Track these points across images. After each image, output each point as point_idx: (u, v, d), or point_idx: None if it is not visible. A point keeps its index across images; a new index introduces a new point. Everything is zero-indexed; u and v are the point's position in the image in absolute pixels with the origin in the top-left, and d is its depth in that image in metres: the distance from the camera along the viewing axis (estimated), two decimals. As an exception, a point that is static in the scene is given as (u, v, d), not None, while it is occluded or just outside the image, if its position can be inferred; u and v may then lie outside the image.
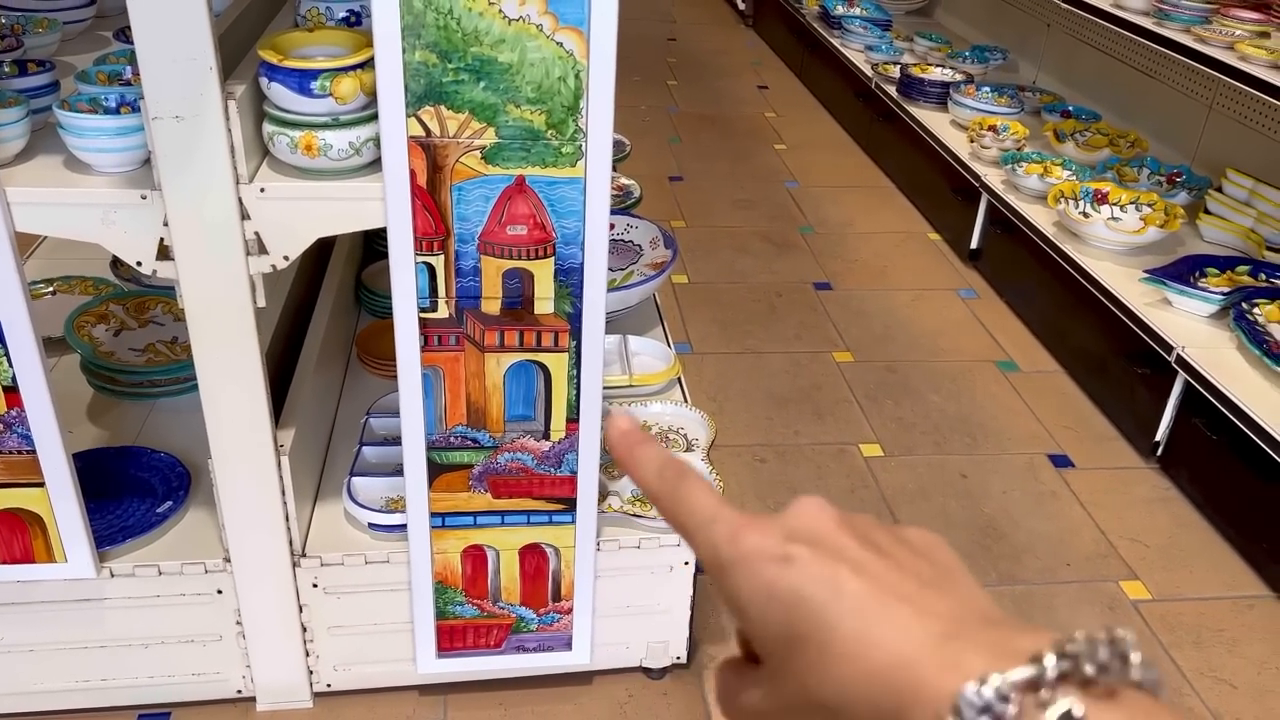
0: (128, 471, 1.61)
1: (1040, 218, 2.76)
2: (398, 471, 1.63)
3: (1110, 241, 2.55)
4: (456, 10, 1.13)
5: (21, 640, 1.49)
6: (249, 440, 1.38)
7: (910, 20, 4.80)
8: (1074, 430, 2.43)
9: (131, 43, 1.56)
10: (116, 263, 2.09)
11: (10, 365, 1.27)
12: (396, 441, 1.71)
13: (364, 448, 1.67)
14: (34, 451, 1.33)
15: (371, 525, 1.53)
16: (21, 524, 1.38)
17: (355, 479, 1.59)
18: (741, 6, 6.12)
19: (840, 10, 4.65)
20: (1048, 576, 1.99)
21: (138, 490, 1.58)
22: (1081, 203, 2.70)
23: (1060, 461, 2.32)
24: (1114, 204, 2.70)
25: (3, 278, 1.21)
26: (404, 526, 1.50)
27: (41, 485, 1.36)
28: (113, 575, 1.46)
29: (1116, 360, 2.42)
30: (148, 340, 1.85)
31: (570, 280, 1.32)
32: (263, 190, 1.23)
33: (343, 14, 1.45)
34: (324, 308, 1.80)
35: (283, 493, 1.43)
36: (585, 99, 1.20)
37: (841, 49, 4.39)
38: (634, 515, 1.56)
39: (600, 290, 1.33)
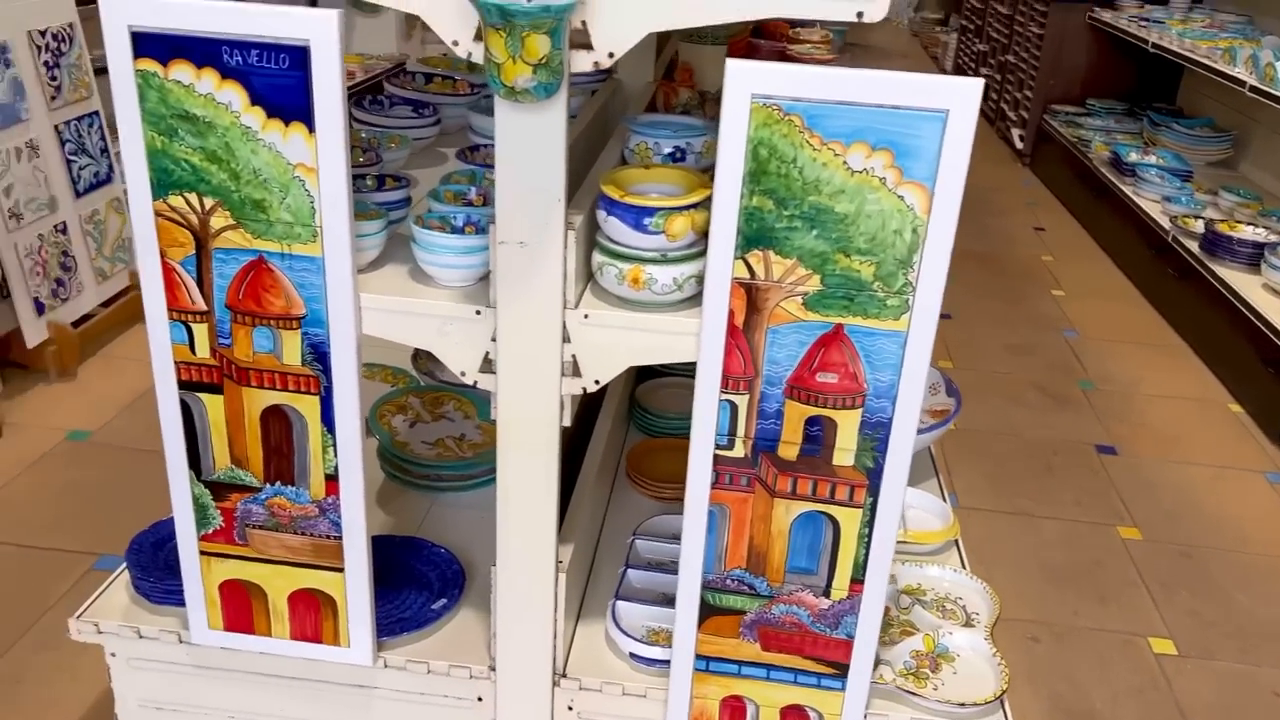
0: (408, 562, 1.68)
1: (1381, 404, 2.43)
2: (662, 600, 1.61)
3: None
4: (800, 160, 1.13)
5: (298, 716, 1.55)
6: (533, 553, 1.40)
7: (1212, 172, 4.49)
8: None
9: (472, 163, 1.68)
10: (416, 355, 2.23)
11: (335, 456, 1.35)
12: (662, 568, 1.69)
13: (629, 570, 1.65)
14: (340, 538, 1.41)
15: (633, 655, 1.50)
16: (316, 604, 1.46)
17: (620, 603, 1.57)
18: (1019, 144, 5.96)
19: (1134, 157, 4.42)
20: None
21: (416, 582, 1.64)
22: None
23: (1403, 695, 1.97)
24: None
25: (344, 377, 1.30)
26: (666, 662, 1.45)
27: (341, 571, 1.43)
28: (386, 666, 1.50)
29: None
30: (439, 435, 1.95)
31: (876, 435, 1.26)
32: (586, 316, 1.26)
33: (669, 149, 1.50)
34: (603, 425, 1.83)
35: (555, 610, 1.43)
36: (919, 253, 1.16)
37: (1134, 197, 4.15)
38: (908, 691, 1.44)
39: (906, 449, 1.26)
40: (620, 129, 1.60)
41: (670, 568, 1.70)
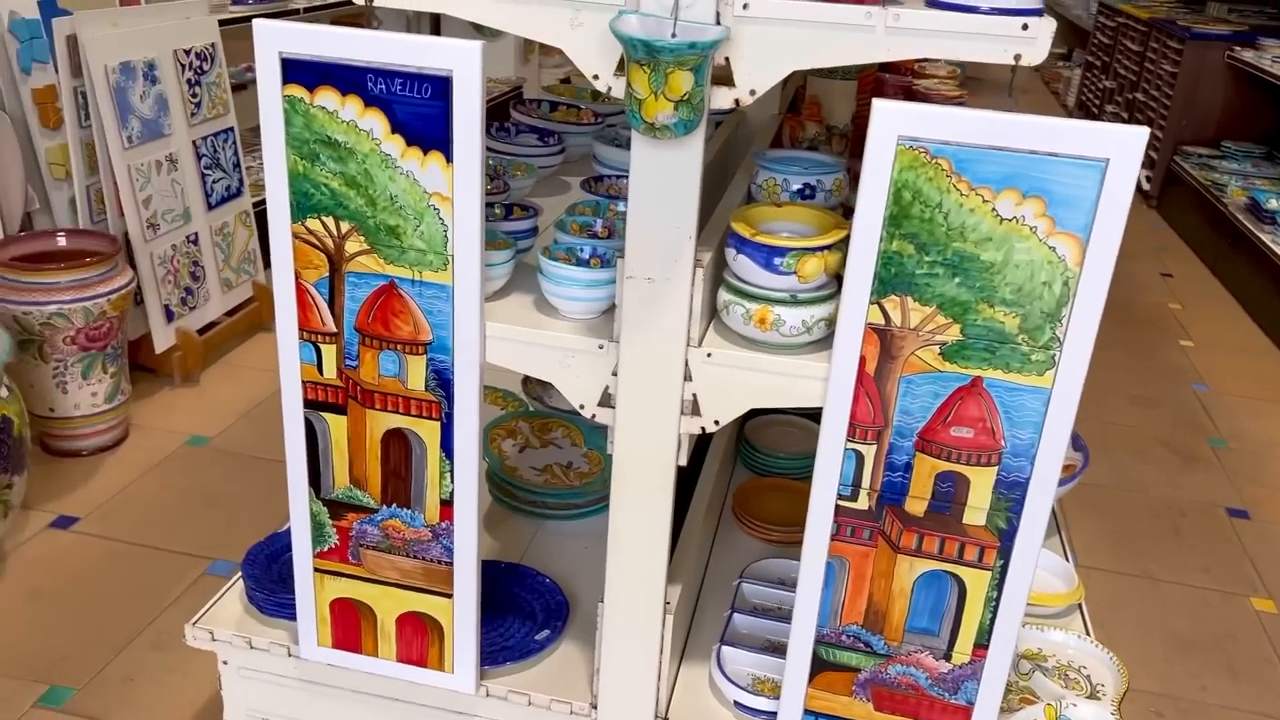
0: (512, 590, 1.67)
1: None
2: (768, 648, 1.56)
3: None
4: (946, 205, 1.09)
5: (397, 736, 1.56)
6: (642, 593, 1.37)
7: (1362, 221, 4.23)
8: None
9: (596, 194, 1.68)
10: (527, 379, 2.24)
11: (452, 482, 1.36)
12: (769, 614, 1.65)
13: (735, 615, 1.61)
14: (451, 564, 1.41)
15: (737, 704, 1.46)
16: (424, 628, 1.46)
17: (725, 648, 1.53)
18: (1146, 186, 5.73)
19: (1275, 204, 4.20)
20: None
21: (519, 611, 1.63)
22: None
23: None
24: None
25: (465, 404, 1.31)
26: (771, 714, 1.41)
27: (449, 597, 1.43)
28: (488, 695, 1.49)
29: None
30: (547, 461, 1.94)
31: (1012, 495, 1.20)
32: (709, 355, 1.24)
33: (798, 186, 1.47)
34: (712, 462, 1.80)
35: (660, 651, 1.40)
36: (1069, 307, 1.10)
37: (1273, 246, 3.93)
38: (1029, 764, 1.37)
39: (1044, 511, 1.19)
40: (748, 163, 1.58)
41: (777, 614, 1.65)
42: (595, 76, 1.14)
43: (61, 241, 2.60)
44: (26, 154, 2.72)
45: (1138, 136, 1.03)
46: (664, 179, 1.15)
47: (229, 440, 2.72)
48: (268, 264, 3.65)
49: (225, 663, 1.59)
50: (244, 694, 1.61)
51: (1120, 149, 1.04)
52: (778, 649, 1.57)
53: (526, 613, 1.63)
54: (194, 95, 3.03)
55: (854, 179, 1.20)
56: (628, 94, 1.08)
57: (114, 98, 2.69)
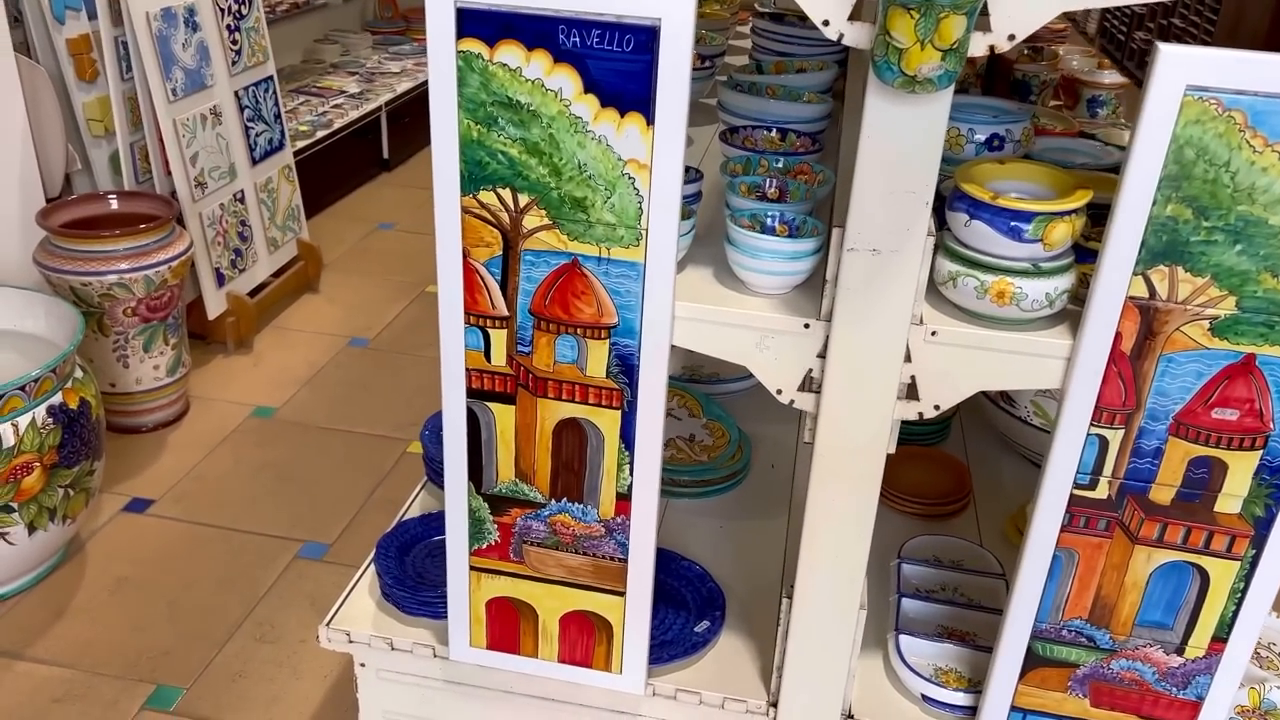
0: (660, 578, 1.56)
1: None
2: (943, 634, 1.47)
3: None
4: (1235, 163, 0.96)
5: (556, 739, 1.46)
6: (837, 589, 1.27)
7: None
8: None
9: (747, 149, 1.54)
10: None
11: (631, 474, 1.24)
12: (931, 596, 1.55)
13: (902, 599, 1.51)
14: (625, 561, 1.30)
15: (926, 698, 1.37)
16: (590, 627, 1.35)
17: (904, 638, 1.43)
18: None
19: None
20: None
21: (671, 601, 1.52)
22: None
23: None
24: None
25: (651, 392, 1.18)
26: (969, 709, 1.32)
27: (621, 595, 1.32)
28: (654, 694, 1.39)
29: None
30: (669, 434, 1.83)
31: (1274, 481, 1.09)
32: (933, 334, 1.12)
33: (984, 136, 1.34)
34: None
35: (852, 650, 1.31)
36: (1369, 277, 0.98)
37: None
38: (1254, 758, 1.29)
39: (1309, 498, 1.09)
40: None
41: (940, 596, 1.56)
42: (825, 22, 0.99)
43: (114, 204, 2.44)
44: (64, 110, 2.53)
45: None
46: (908, 138, 1.01)
47: (295, 411, 2.60)
48: (310, 220, 3.49)
49: (362, 665, 1.49)
50: (382, 696, 1.51)
51: None
52: (951, 635, 1.48)
53: (679, 602, 1.53)
54: (234, 42, 2.84)
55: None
56: (881, 43, 0.94)
57: (157, 47, 2.50)
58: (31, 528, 1.81)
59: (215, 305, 2.76)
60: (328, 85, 4.24)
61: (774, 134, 1.58)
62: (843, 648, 1.30)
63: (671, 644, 1.45)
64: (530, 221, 1.12)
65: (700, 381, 2.01)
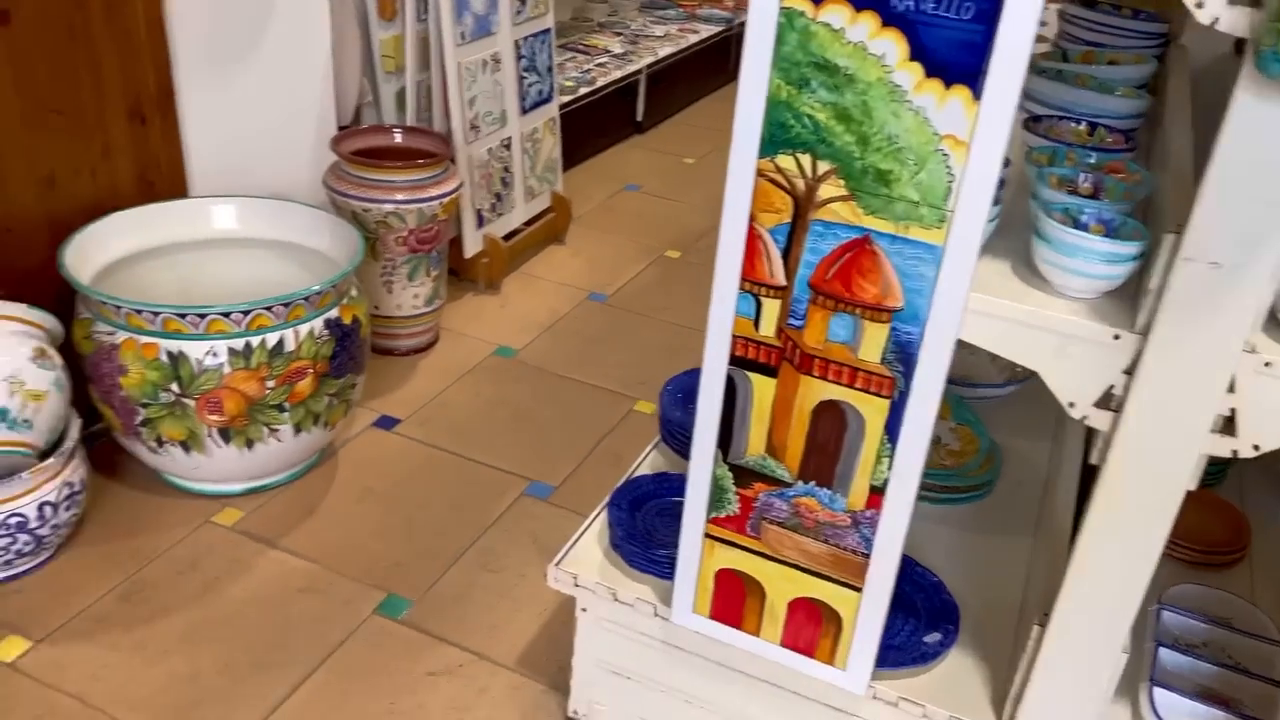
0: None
1: None
2: (1201, 694, 1.33)
3: None
4: None
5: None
6: (1101, 625, 1.16)
7: None
8: None
9: (1052, 139, 1.42)
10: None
11: (889, 469, 1.18)
12: (1194, 651, 1.40)
13: (1160, 648, 1.38)
14: (868, 557, 1.24)
15: (1181, 762, 1.24)
16: (819, 616, 1.31)
17: (1158, 690, 1.31)
18: None
19: None
20: None
21: (901, 606, 1.45)
22: None
23: None
24: None
25: (927, 384, 1.12)
26: (1231, 785, 1.19)
27: (858, 590, 1.27)
28: (874, 697, 1.34)
29: None
30: (914, 433, 1.74)
31: None
32: (1267, 365, 0.99)
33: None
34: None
35: (1105, 691, 1.20)
36: None
37: None
38: None
39: None
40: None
41: (1203, 653, 1.41)
42: (1199, 4, 0.89)
43: (398, 138, 2.58)
44: (363, 45, 2.70)
45: None
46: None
47: (534, 354, 2.68)
48: (564, 173, 3.60)
49: (584, 610, 1.52)
50: (598, 644, 1.53)
51: None
52: (1215, 698, 1.34)
53: (909, 609, 1.46)
54: (520, -7, 2.93)
55: None
56: (1271, 31, 0.83)
57: (452, -7, 2.62)
58: (297, 429, 1.96)
59: (473, 245, 2.89)
60: (593, 43, 4.33)
61: (1082, 127, 1.45)
62: (1095, 689, 1.20)
63: (898, 650, 1.39)
64: (826, 191, 1.08)
65: (951, 382, 1.91)
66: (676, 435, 1.70)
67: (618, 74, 3.98)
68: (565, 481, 2.19)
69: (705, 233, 3.49)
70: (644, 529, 1.53)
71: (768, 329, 1.18)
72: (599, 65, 4.03)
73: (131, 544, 1.91)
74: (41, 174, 1.95)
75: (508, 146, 3.00)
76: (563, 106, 3.41)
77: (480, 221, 2.91)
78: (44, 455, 1.78)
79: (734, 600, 1.36)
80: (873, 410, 1.16)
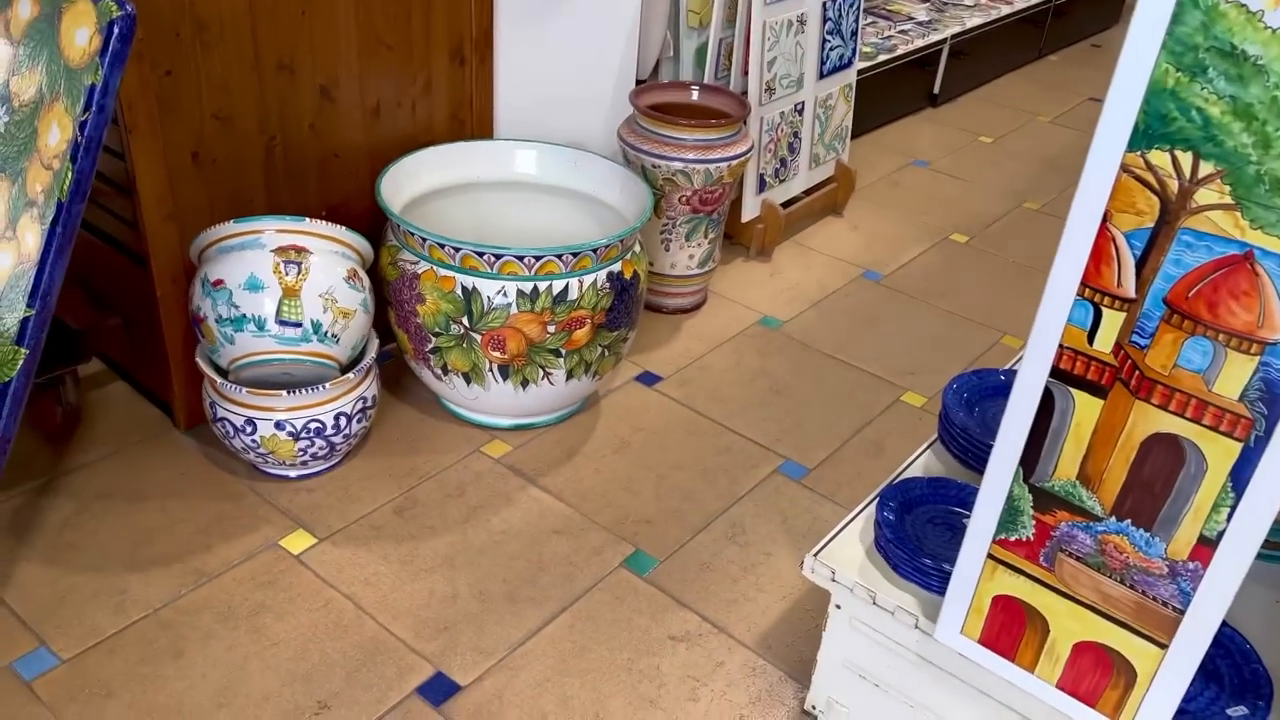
0: (1192, 635, 1.33)
1: None
2: None
3: None
4: None
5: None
6: None
7: None
8: None
9: None
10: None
11: (1228, 521, 1.03)
12: None
13: None
14: (1182, 613, 1.10)
15: None
16: (1109, 666, 1.18)
17: None
18: None
19: None
20: None
21: (1201, 666, 1.29)
22: None
23: None
24: None
25: None
26: None
27: (1163, 647, 1.13)
28: (1160, 765, 1.19)
29: None
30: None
31: None
32: None
33: None
34: None
35: None
36: None
37: None
38: None
39: None
40: None
41: None
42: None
43: (694, 96, 2.57)
44: None
45: None
46: None
47: (799, 328, 2.61)
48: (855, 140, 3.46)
49: (838, 606, 1.46)
50: (846, 644, 1.47)
51: None
52: None
53: (1211, 673, 1.29)
54: (833, -47, 2.82)
55: None
56: None
57: (766, -50, 2.55)
58: (569, 375, 2.00)
59: (750, 209, 2.84)
60: (897, 9, 4.12)
61: None
62: None
63: (1193, 716, 1.23)
64: (1205, 197, 0.93)
65: None
66: (959, 440, 1.59)
67: (920, 43, 3.78)
68: (820, 465, 2.12)
69: (998, 219, 3.26)
70: (913, 534, 1.44)
71: (1104, 343, 1.05)
72: (901, 32, 3.84)
73: (409, 461, 2.04)
74: (370, 105, 2.09)
75: (800, 111, 2.92)
76: (860, 72, 3.28)
77: (761, 186, 2.86)
78: (344, 369, 1.92)
79: (1011, 630, 1.25)
80: (1219, 452, 1.01)
